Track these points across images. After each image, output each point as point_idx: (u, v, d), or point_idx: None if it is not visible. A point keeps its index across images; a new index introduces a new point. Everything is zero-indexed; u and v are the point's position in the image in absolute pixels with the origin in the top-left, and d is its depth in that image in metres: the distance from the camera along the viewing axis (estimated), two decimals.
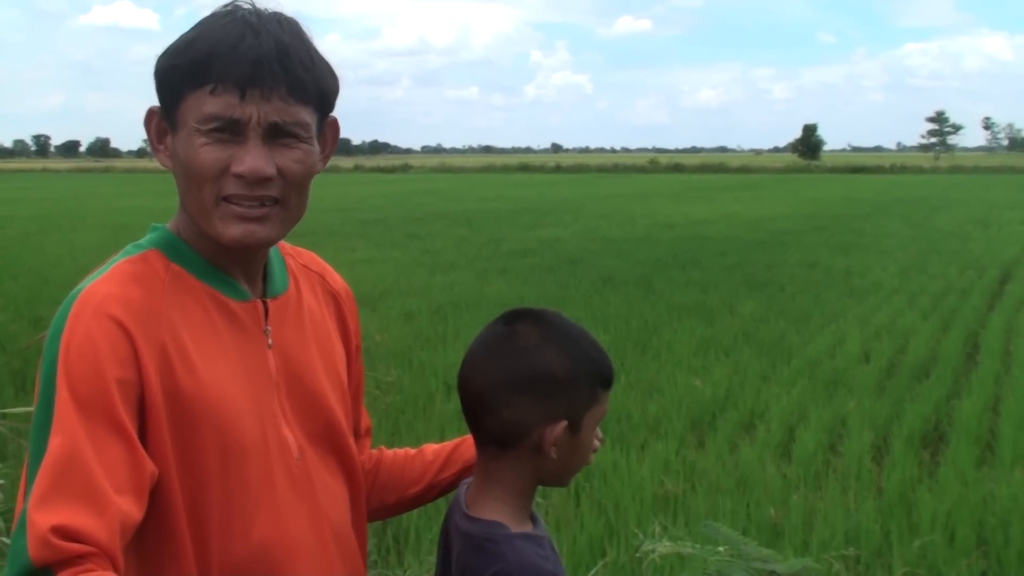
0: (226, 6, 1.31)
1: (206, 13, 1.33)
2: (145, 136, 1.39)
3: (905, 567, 4.28)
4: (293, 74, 1.27)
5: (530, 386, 1.43)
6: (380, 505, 1.68)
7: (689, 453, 5.82)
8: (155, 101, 1.35)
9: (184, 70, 1.27)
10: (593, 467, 5.44)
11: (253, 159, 1.27)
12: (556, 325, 1.48)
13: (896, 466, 5.46)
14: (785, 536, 4.55)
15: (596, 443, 1.53)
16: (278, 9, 1.33)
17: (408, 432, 6.09)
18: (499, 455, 1.46)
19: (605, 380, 1.50)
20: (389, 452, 1.71)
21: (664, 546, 2.70)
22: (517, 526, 1.46)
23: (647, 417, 6.54)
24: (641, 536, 3.36)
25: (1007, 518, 4.72)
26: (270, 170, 1.28)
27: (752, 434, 6.28)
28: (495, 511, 1.46)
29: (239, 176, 1.28)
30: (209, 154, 1.27)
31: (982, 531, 4.68)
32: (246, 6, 1.31)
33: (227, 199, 1.29)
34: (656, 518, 4.62)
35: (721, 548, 2.67)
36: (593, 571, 4.00)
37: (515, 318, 1.49)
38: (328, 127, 1.41)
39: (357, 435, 1.60)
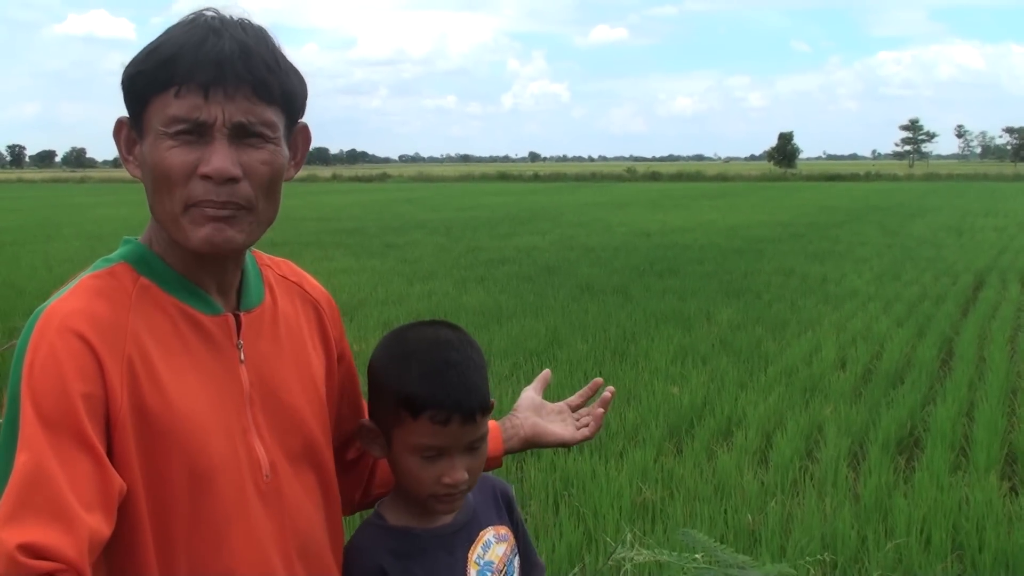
0: (190, 14, 1.32)
1: None
2: None
3: (881, 572, 4.31)
4: (256, 74, 1.27)
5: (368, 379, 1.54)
6: (385, 492, 1.67)
7: (667, 460, 5.84)
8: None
9: (148, 75, 1.27)
10: (571, 475, 5.45)
11: (219, 160, 1.26)
12: (411, 338, 1.51)
13: (872, 472, 5.49)
14: (762, 542, 4.57)
15: (447, 479, 1.46)
16: (244, 16, 1.33)
17: None
18: None
19: (405, 403, 1.45)
20: None
21: (640, 554, 2.71)
22: (399, 520, 1.52)
23: (625, 425, 6.56)
24: (614, 544, 3.36)
25: (981, 523, 4.76)
26: (236, 170, 1.27)
27: (729, 441, 6.30)
28: (385, 505, 1.55)
29: (206, 177, 1.26)
30: (176, 157, 1.26)
31: (957, 536, 4.72)
32: (210, 13, 1.31)
33: (196, 205, 1.28)
34: (634, 525, 4.63)
35: (698, 555, 2.68)
36: None
37: (428, 324, 1.56)
38: (298, 133, 1.40)
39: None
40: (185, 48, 1.26)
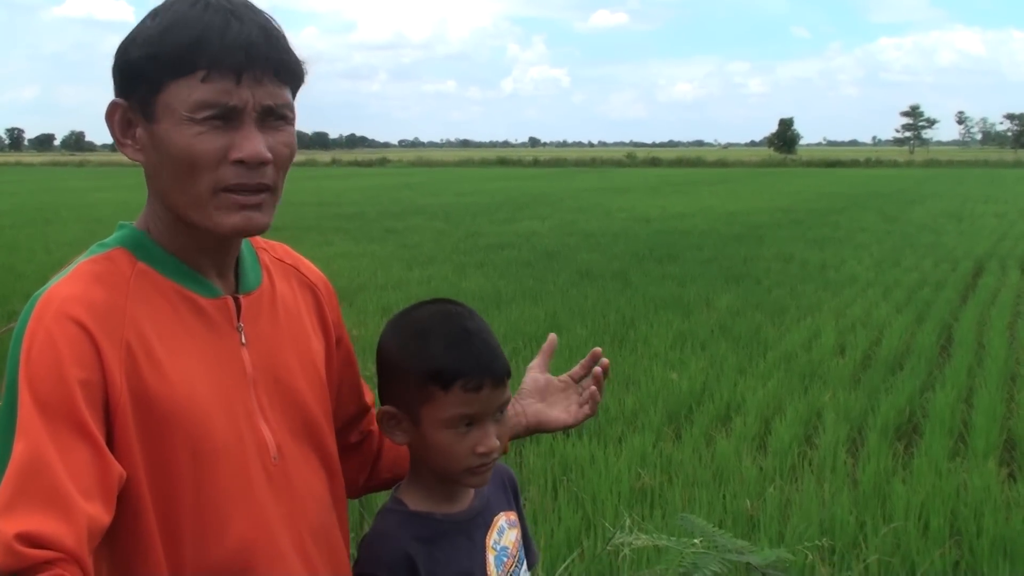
0: None
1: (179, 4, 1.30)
2: None
3: (879, 557, 4.32)
4: (280, 57, 1.28)
5: (377, 367, 1.50)
6: (392, 476, 1.66)
7: (666, 446, 5.85)
8: None
9: (165, 59, 1.24)
10: (570, 460, 5.46)
11: (253, 144, 1.26)
12: (422, 316, 1.50)
13: (871, 458, 5.50)
14: (761, 528, 4.58)
15: (481, 448, 1.46)
16: None
17: None
18: None
19: (435, 377, 1.43)
20: None
21: (639, 538, 2.71)
22: (419, 505, 1.50)
23: (624, 410, 6.57)
24: (612, 529, 3.36)
25: (979, 508, 4.77)
26: (268, 154, 1.28)
27: (728, 427, 6.32)
28: (403, 490, 1.54)
29: (239, 162, 1.26)
30: (206, 143, 1.25)
31: (955, 521, 4.73)
32: None
33: (227, 190, 1.27)
34: (633, 511, 4.64)
35: (697, 540, 2.69)
36: (566, 563, 4.01)
37: (431, 302, 1.54)
38: None
39: (365, 413, 1.63)
40: (209, 32, 1.23)
